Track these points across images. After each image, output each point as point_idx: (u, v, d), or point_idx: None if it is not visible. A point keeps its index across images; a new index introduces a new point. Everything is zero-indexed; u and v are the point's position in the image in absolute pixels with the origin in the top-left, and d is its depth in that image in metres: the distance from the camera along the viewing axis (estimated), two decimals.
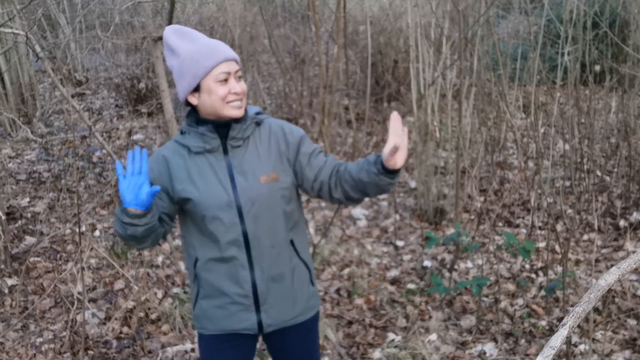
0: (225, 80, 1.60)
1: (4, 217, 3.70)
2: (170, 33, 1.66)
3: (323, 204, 4.77)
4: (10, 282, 3.63)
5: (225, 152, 1.68)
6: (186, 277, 3.78)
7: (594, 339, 2.93)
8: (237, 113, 1.64)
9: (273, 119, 1.77)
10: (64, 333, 3.18)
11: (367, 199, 4.92)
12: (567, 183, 4.68)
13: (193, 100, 1.66)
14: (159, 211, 1.69)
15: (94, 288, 3.65)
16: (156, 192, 1.55)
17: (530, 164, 5.16)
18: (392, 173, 1.58)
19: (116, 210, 1.60)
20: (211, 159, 1.68)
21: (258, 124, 1.73)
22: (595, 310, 3.14)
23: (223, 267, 1.71)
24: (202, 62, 1.59)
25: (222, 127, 1.67)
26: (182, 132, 1.73)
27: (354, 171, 1.64)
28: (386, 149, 1.52)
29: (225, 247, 1.68)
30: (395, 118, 1.52)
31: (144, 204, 1.55)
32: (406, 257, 3.99)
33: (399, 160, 1.55)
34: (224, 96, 1.61)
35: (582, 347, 2.88)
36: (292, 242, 1.76)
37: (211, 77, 1.60)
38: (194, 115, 1.70)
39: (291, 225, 1.76)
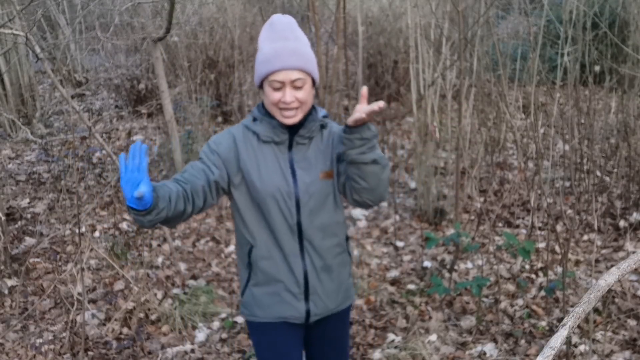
0: (279, 88, 1.68)
1: (3, 218, 3.70)
2: (267, 23, 1.75)
3: None
4: (10, 282, 3.63)
5: (290, 147, 1.77)
6: (186, 277, 3.78)
7: (594, 340, 2.93)
8: (287, 121, 1.72)
9: (334, 123, 1.87)
10: (64, 334, 3.18)
11: None
12: (567, 183, 4.68)
13: (262, 94, 1.76)
14: (204, 183, 1.71)
15: (94, 289, 3.65)
16: (151, 193, 1.52)
17: (530, 164, 5.16)
18: (355, 130, 1.65)
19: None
20: (276, 150, 1.77)
21: (323, 126, 1.82)
22: (595, 310, 3.14)
23: (278, 255, 1.80)
24: (263, 66, 1.69)
25: (292, 125, 1.76)
26: (254, 119, 1.79)
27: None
28: (350, 119, 1.64)
29: (280, 235, 1.77)
30: (363, 92, 1.64)
31: (142, 204, 1.52)
32: (406, 258, 3.99)
33: (355, 116, 1.62)
34: (275, 102, 1.69)
35: (582, 347, 2.88)
36: (339, 235, 1.87)
37: (267, 81, 1.69)
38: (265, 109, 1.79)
39: (339, 219, 1.87)
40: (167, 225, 1.72)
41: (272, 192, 1.74)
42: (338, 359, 2.07)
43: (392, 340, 3.10)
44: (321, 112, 1.84)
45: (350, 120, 1.62)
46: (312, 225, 1.78)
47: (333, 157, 1.80)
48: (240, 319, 3.32)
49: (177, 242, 4.24)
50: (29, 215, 4.60)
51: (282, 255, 1.79)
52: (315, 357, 2.08)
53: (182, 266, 3.90)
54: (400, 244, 4.19)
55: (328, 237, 1.82)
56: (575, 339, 2.95)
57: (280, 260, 1.80)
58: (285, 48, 1.68)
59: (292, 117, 1.71)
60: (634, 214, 4.10)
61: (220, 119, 6.77)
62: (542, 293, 3.37)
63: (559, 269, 3.56)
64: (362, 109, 1.60)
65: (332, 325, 1.97)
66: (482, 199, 4.54)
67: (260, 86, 1.75)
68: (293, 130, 1.77)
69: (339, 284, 1.90)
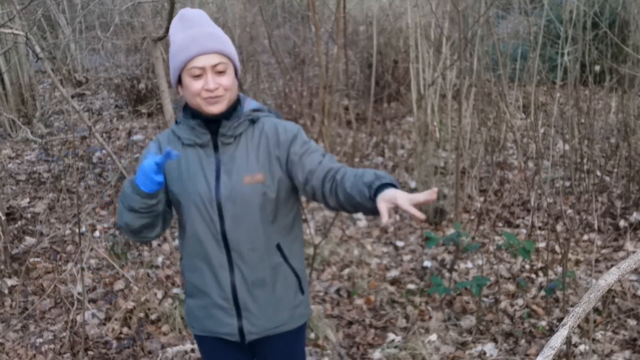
0: (199, 75, 1.54)
1: (3, 218, 3.70)
2: (176, 17, 1.63)
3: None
4: (10, 282, 3.63)
5: (216, 148, 1.62)
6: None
7: (594, 339, 2.93)
8: (212, 109, 1.57)
9: (270, 118, 1.67)
10: (64, 333, 3.18)
11: None
12: (567, 183, 4.68)
13: (180, 92, 1.61)
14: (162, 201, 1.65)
15: (94, 288, 3.65)
16: (162, 185, 1.52)
17: (530, 164, 5.16)
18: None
19: (125, 183, 1.56)
20: (201, 153, 1.63)
21: (253, 121, 1.64)
22: (595, 310, 3.14)
23: (204, 267, 1.67)
24: (179, 55, 1.55)
25: (213, 123, 1.61)
26: (177, 122, 1.68)
27: (348, 185, 1.49)
28: (403, 201, 1.33)
29: (207, 246, 1.64)
30: (432, 194, 1.32)
31: (150, 188, 1.51)
32: (406, 258, 3.99)
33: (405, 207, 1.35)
34: (197, 92, 1.55)
35: (582, 347, 2.88)
36: (278, 247, 1.68)
37: (186, 71, 1.55)
38: (189, 106, 1.65)
39: (279, 229, 1.67)
40: (142, 235, 1.65)
41: (192, 199, 1.61)
42: None
43: (392, 340, 3.10)
44: (251, 104, 1.67)
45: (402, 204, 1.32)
46: (237, 235, 1.62)
47: (271, 159, 1.62)
48: None
49: (177, 242, 4.24)
50: (29, 215, 4.60)
51: (209, 267, 1.66)
52: None
53: None
54: (400, 243, 4.19)
55: (259, 248, 1.64)
56: (575, 339, 2.95)
57: (207, 272, 1.67)
58: (201, 32, 1.55)
59: (218, 104, 1.56)
60: (634, 214, 4.10)
61: None
62: (542, 293, 3.37)
63: (559, 269, 3.56)
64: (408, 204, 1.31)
65: (279, 348, 1.80)
66: (482, 199, 4.54)
67: (179, 82, 1.59)
68: (214, 129, 1.61)
69: (278, 301, 1.71)
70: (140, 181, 1.49)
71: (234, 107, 1.63)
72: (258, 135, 1.63)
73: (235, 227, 1.61)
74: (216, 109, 1.57)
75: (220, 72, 1.56)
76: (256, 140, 1.63)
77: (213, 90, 1.54)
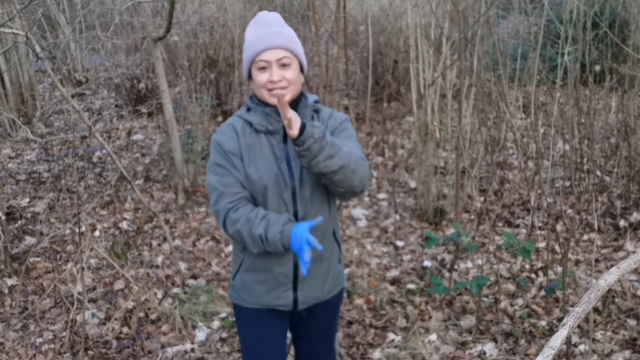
0: (264, 68, 1.68)
1: (3, 217, 3.70)
2: (253, 20, 1.77)
3: None
4: (10, 282, 3.63)
5: (285, 137, 1.76)
6: (186, 277, 3.78)
7: (594, 339, 2.93)
8: (274, 101, 1.69)
9: (327, 108, 1.84)
10: (64, 333, 3.18)
11: (366, 199, 4.92)
12: (567, 183, 4.68)
13: (251, 85, 1.76)
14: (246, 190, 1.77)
15: (94, 288, 3.65)
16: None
17: (530, 164, 5.16)
18: (298, 140, 1.59)
19: (271, 235, 1.66)
20: (272, 139, 1.76)
21: (316, 111, 1.80)
22: (595, 310, 3.14)
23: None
24: (249, 50, 1.71)
25: None
26: (247, 109, 1.79)
27: None
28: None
29: None
30: (277, 97, 1.56)
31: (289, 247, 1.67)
32: (406, 257, 3.99)
33: (291, 129, 1.57)
34: (263, 83, 1.69)
35: (582, 347, 2.88)
36: (334, 221, 1.88)
37: (254, 64, 1.70)
38: (258, 98, 1.78)
39: (333, 206, 1.86)
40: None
41: (269, 182, 1.73)
42: (324, 351, 2.09)
43: (392, 340, 3.10)
44: (311, 97, 1.82)
45: (287, 131, 1.58)
46: (307, 216, 1.77)
47: None
48: None
49: (177, 242, 4.24)
50: (29, 215, 4.60)
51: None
52: (301, 349, 2.10)
53: (182, 265, 3.90)
54: (400, 243, 4.19)
55: (322, 227, 1.81)
56: (575, 339, 2.95)
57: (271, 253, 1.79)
58: (269, 31, 1.70)
59: (281, 96, 1.67)
60: (634, 214, 4.10)
61: (220, 118, 6.77)
62: (542, 293, 3.37)
63: (559, 269, 3.56)
64: (286, 116, 1.55)
65: (321, 316, 1.98)
66: (482, 199, 4.54)
67: (249, 77, 1.75)
68: None
69: (327, 272, 1.89)
70: (295, 246, 1.64)
71: (299, 99, 1.78)
72: (321, 123, 1.78)
73: (306, 209, 1.77)
74: (276, 100, 1.67)
75: (285, 66, 1.70)
76: None
77: (277, 82, 1.68)
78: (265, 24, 1.72)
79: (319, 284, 1.87)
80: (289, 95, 1.70)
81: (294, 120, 1.55)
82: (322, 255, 1.84)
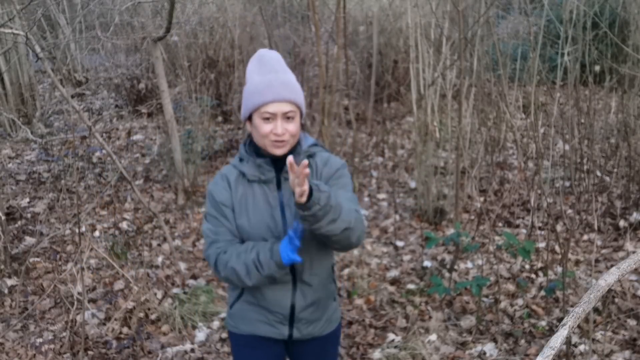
0: (269, 119, 1.67)
1: (3, 218, 3.70)
2: (255, 57, 1.74)
3: None
4: (10, 282, 3.63)
5: (279, 183, 1.76)
6: (186, 277, 3.78)
7: (594, 339, 2.93)
8: (277, 152, 1.70)
9: (323, 152, 1.82)
10: (64, 333, 3.18)
11: (366, 199, 4.92)
12: (567, 183, 4.68)
13: (248, 127, 1.75)
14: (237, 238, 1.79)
15: (94, 288, 3.65)
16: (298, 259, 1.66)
17: (530, 164, 5.16)
18: (304, 206, 1.55)
19: (263, 256, 1.68)
20: (266, 189, 1.76)
21: (310, 156, 1.79)
22: (595, 310, 3.14)
23: (268, 290, 1.81)
24: (253, 97, 1.68)
25: (278, 161, 1.75)
26: (240, 159, 1.80)
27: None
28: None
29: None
30: (289, 163, 1.49)
31: (288, 259, 1.67)
32: (406, 258, 3.99)
33: (301, 198, 1.53)
34: (266, 134, 1.68)
35: (582, 347, 2.88)
36: (332, 267, 1.91)
37: (258, 113, 1.68)
38: (253, 144, 1.78)
39: (330, 251, 1.86)
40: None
41: (262, 232, 1.74)
42: None
43: (392, 340, 3.10)
44: (308, 141, 1.81)
45: (296, 198, 1.52)
46: (304, 264, 1.77)
47: None
48: None
49: (177, 242, 4.24)
50: (29, 215, 4.60)
51: (271, 288, 1.81)
52: None
53: (182, 266, 3.90)
54: (400, 243, 4.19)
55: (318, 271, 1.83)
56: (575, 339, 2.95)
57: (269, 291, 1.82)
58: (276, 80, 1.68)
59: (281, 148, 1.70)
60: (634, 214, 4.10)
61: (220, 118, 6.77)
62: (542, 293, 3.37)
63: (559, 269, 3.56)
64: (294, 181, 1.48)
65: (315, 347, 1.97)
66: (482, 199, 4.54)
67: (248, 118, 1.73)
68: (279, 166, 1.75)
69: (323, 313, 1.91)
70: (284, 254, 1.65)
71: (295, 146, 1.78)
72: (314, 169, 1.79)
73: (301, 257, 1.72)
74: (280, 151, 1.70)
75: (289, 119, 1.69)
76: (312, 174, 1.79)
77: (281, 135, 1.68)
78: (270, 68, 1.70)
79: (315, 323, 1.90)
80: (288, 147, 1.71)
81: (306, 191, 1.51)
82: (320, 297, 1.86)
